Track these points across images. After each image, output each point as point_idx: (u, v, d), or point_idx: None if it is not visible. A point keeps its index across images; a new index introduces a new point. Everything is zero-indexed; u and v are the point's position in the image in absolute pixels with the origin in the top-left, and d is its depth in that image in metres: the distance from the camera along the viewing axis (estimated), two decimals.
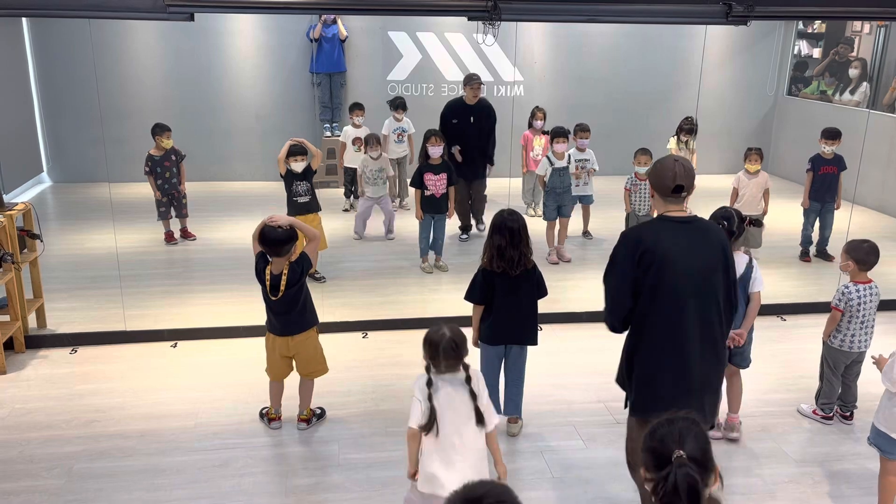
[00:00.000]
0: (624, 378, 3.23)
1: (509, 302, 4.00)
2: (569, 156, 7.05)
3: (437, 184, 6.55)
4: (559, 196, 6.99)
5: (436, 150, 6.50)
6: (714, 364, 3.09)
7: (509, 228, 3.94)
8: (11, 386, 4.71)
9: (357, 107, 8.45)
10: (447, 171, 6.61)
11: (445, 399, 3.01)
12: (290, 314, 4.06)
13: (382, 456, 4.00)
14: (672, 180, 3.00)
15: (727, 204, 5.80)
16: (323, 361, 4.27)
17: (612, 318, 3.12)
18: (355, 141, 8.28)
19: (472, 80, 7.34)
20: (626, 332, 3.15)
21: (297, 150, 6.21)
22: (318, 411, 4.37)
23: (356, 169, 7.88)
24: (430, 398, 2.99)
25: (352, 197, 8.61)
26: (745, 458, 4.06)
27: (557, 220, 7.08)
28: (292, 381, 4.27)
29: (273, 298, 4.00)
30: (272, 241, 3.96)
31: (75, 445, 4.08)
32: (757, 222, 5.12)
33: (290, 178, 6.25)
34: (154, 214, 7.38)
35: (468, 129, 7.32)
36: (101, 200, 8.03)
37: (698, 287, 2.97)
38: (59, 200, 9.15)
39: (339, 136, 9.40)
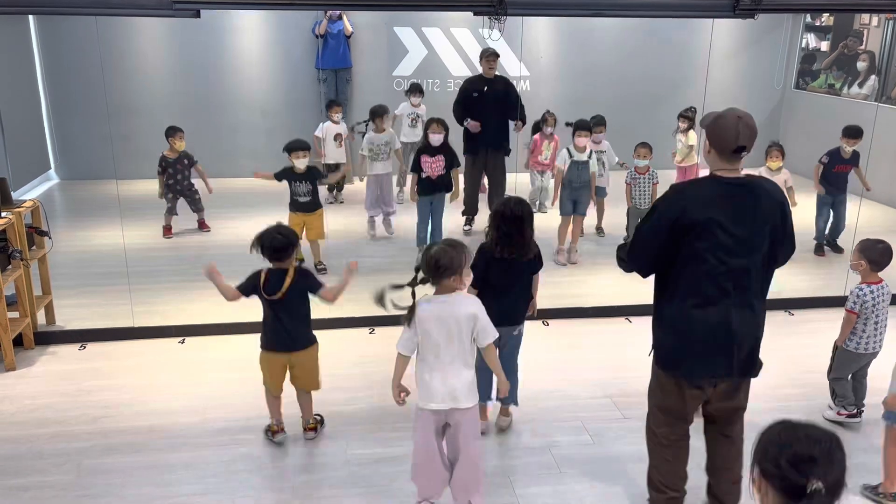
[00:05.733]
0: (655, 333, 3.13)
1: (508, 287, 3.95)
2: (591, 152, 6.86)
3: (433, 166, 6.52)
4: (575, 191, 6.74)
5: (436, 138, 6.48)
6: (751, 318, 2.97)
7: (516, 216, 3.91)
8: (21, 382, 4.74)
9: (334, 104, 8.54)
10: (445, 153, 6.56)
11: (437, 315, 3.22)
12: (293, 322, 3.95)
13: (389, 451, 4.01)
14: (734, 140, 2.85)
15: None
16: (318, 377, 4.14)
17: (633, 262, 3.07)
18: (336, 137, 8.31)
19: (487, 54, 7.38)
20: (657, 287, 3.10)
21: (298, 146, 6.07)
22: (319, 418, 4.30)
23: (337, 164, 8.17)
24: (413, 314, 3.24)
25: (335, 191, 8.74)
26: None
27: (572, 218, 6.83)
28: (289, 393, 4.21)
29: (272, 298, 3.86)
30: (272, 247, 3.85)
31: (84, 441, 4.10)
32: None
33: (289, 176, 6.11)
34: (163, 209, 7.50)
35: (487, 102, 7.32)
36: (108, 197, 8.05)
37: (742, 251, 2.85)
38: (67, 197, 9.20)
39: None
